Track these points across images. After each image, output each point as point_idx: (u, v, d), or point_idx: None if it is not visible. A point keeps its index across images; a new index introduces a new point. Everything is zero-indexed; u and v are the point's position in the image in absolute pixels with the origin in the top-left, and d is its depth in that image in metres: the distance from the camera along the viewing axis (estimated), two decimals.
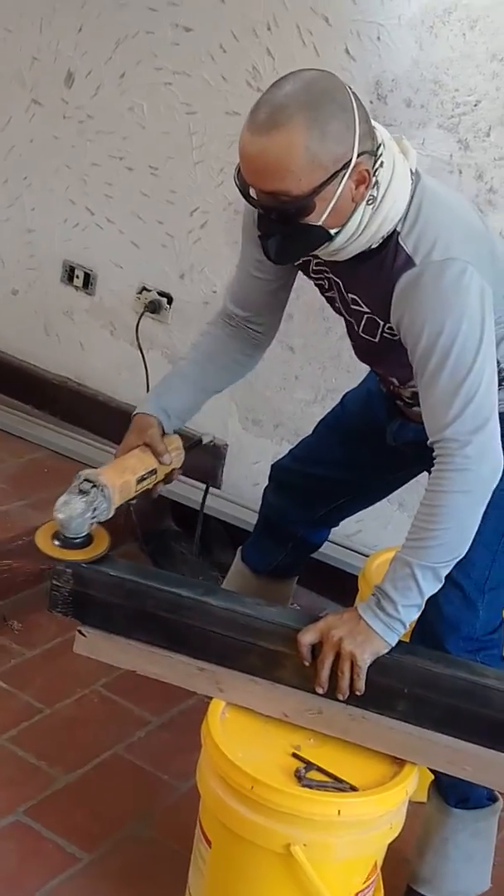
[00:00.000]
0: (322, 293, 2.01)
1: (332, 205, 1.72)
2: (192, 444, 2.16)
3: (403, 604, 1.80)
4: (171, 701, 2.51)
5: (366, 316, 1.90)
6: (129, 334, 3.25)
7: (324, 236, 1.77)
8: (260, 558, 2.42)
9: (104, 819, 2.20)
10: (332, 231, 1.76)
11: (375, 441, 2.13)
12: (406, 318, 1.78)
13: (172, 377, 2.14)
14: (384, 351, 1.92)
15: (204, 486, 2.85)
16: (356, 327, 1.95)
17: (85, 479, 1.90)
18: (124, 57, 3.16)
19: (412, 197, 1.81)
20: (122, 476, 1.95)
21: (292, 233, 1.77)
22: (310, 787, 1.73)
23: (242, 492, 3.17)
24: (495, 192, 2.64)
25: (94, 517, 1.90)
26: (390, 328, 1.85)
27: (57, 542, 1.92)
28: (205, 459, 3.25)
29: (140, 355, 3.19)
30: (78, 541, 1.92)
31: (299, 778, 1.74)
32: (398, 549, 1.83)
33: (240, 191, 1.77)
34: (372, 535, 2.95)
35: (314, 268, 1.96)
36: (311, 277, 1.99)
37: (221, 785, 1.75)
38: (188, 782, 2.21)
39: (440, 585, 1.82)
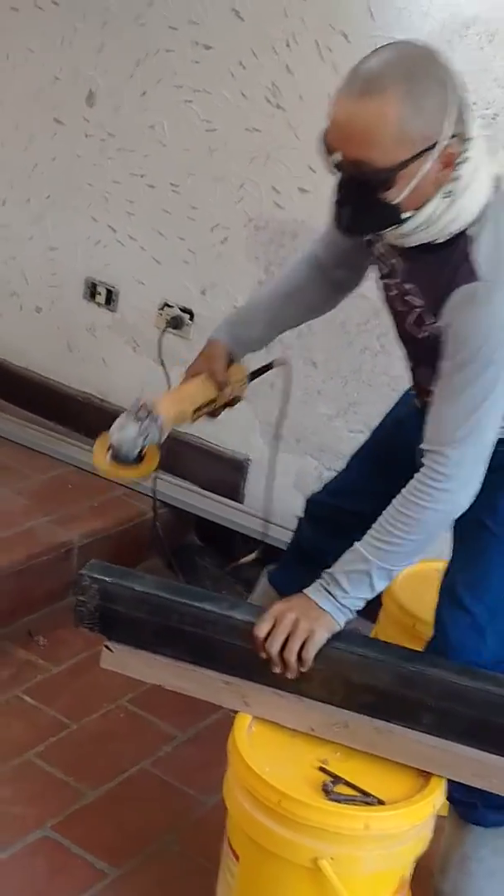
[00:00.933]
0: (380, 278, 1.98)
1: (413, 183, 1.68)
2: (261, 369, 2.20)
3: (353, 595, 1.85)
4: (198, 715, 2.51)
5: (417, 310, 1.88)
6: (151, 350, 3.26)
7: (395, 217, 1.74)
8: (289, 584, 2.36)
9: (132, 834, 2.21)
10: (405, 215, 1.73)
11: (407, 466, 2.07)
12: (453, 325, 1.77)
13: (250, 307, 2.17)
14: (427, 349, 1.88)
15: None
16: (406, 320, 1.93)
17: (142, 406, 1.98)
18: (145, 75, 3.18)
19: (488, 205, 1.77)
20: (178, 405, 2.04)
21: (366, 206, 1.74)
22: (337, 800, 1.73)
23: (265, 506, 3.17)
24: None
25: (145, 442, 1.98)
26: (437, 327, 1.82)
27: (110, 459, 2.00)
28: (228, 473, 3.27)
29: (163, 371, 3.20)
30: (129, 460, 2.00)
31: (327, 792, 1.75)
32: (361, 543, 1.85)
33: (322, 151, 1.73)
34: None
35: (381, 248, 1.93)
36: (375, 257, 1.96)
37: (249, 799, 1.75)
38: (215, 797, 2.21)
39: (388, 584, 1.87)
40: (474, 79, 2.59)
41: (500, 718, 1.80)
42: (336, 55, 2.79)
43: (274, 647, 1.84)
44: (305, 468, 3.09)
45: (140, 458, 2.00)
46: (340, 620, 1.86)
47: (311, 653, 1.83)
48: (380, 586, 1.86)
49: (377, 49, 1.68)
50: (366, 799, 1.75)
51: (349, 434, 2.98)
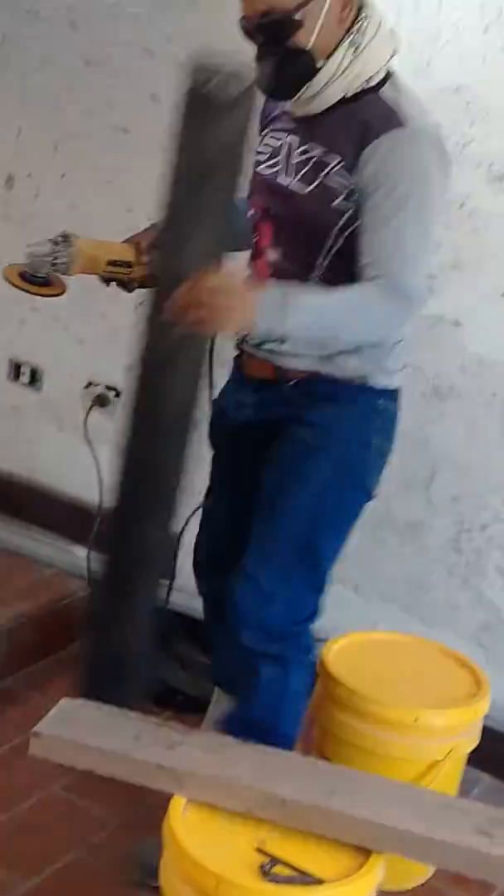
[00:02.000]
0: (257, 167, 2.12)
1: (318, 23, 1.92)
2: None
3: (294, 328, 1.91)
4: (133, 799, 2.46)
5: (314, 160, 2.02)
6: (78, 429, 3.25)
7: (310, 64, 1.95)
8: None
9: None
10: (318, 63, 1.94)
11: (240, 448, 2.24)
12: (385, 166, 1.93)
13: None
14: (307, 210, 2.03)
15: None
16: (287, 179, 2.05)
17: (62, 234, 2.15)
18: (64, 158, 3.21)
19: (390, 72, 2.01)
20: (96, 248, 2.18)
21: (283, 58, 1.94)
22: (276, 882, 1.70)
23: None
24: (433, 278, 2.67)
25: (54, 262, 2.12)
26: (344, 168, 1.98)
27: (19, 274, 2.17)
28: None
29: (89, 449, 3.18)
30: (37, 279, 2.17)
31: (265, 873, 1.72)
32: (328, 295, 1.93)
33: (243, 33, 1.97)
34: (329, 620, 2.89)
35: (269, 138, 2.12)
36: (258, 152, 2.12)
37: (186, 883, 1.72)
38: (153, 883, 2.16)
39: (307, 350, 2.01)
40: None
41: None
42: None
43: (198, 293, 1.83)
44: None
45: (47, 281, 2.17)
46: (261, 325, 1.89)
47: (207, 326, 1.87)
48: (316, 332, 1.94)
49: None
50: (304, 879, 1.72)
51: None
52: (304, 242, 2.06)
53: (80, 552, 3.09)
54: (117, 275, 2.20)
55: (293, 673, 2.16)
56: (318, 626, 2.93)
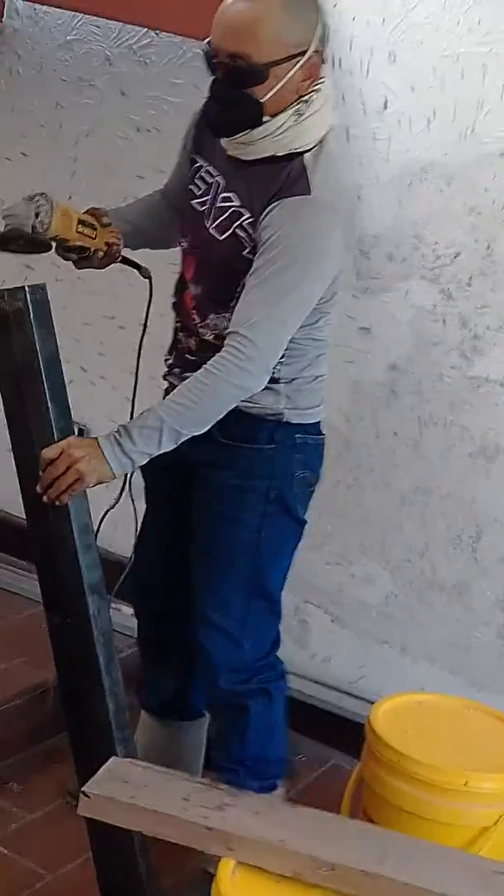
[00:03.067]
0: (190, 199, 2.23)
1: (279, 84, 1.99)
2: (133, 261, 2.34)
3: (141, 449, 2.04)
4: (181, 859, 2.44)
5: (231, 209, 2.13)
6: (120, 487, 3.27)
7: (257, 117, 2.02)
8: (151, 695, 2.55)
9: None
10: (264, 118, 2.02)
11: (172, 481, 2.33)
12: (275, 224, 2.02)
13: (121, 210, 2.39)
14: (221, 254, 2.15)
15: None
16: (208, 223, 2.17)
17: (34, 193, 2.10)
18: None
19: (322, 142, 2.08)
20: (67, 206, 2.15)
21: (236, 101, 2.02)
22: None
23: None
24: (479, 339, 2.71)
25: (36, 214, 2.07)
26: (249, 223, 2.09)
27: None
28: None
29: (132, 507, 3.20)
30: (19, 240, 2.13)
31: None
32: (158, 405, 2.08)
33: (203, 56, 2.04)
34: (375, 681, 2.93)
35: (204, 172, 2.20)
36: (194, 184, 2.23)
37: None
38: None
39: (173, 447, 2.06)
40: (435, 220, 2.71)
41: None
42: None
43: (52, 473, 2.01)
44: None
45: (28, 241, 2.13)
46: (117, 471, 2.05)
47: (75, 491, 2.03)
48: (167, 445, 2.05)
49: None
50: None
51: (325, 566, 2.99)
52: (220, 283, 2.18)
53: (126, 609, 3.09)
54: (85, 238, 2.20)
55: (276, 700, 2.37)
56: (365, 685, 2.95)
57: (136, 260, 2.34)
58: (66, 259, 2.25)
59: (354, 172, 2.77)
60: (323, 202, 2.05)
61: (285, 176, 2.06)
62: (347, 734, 2.74)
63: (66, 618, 2.21)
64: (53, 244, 2.19)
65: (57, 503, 2.05)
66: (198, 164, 2.24)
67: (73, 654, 2.23)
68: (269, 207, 2.05)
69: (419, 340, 2.76)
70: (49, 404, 2.14)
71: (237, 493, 2.23)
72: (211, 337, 2.23)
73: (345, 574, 2.96)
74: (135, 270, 2.34)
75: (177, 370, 2.32)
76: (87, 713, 2.23)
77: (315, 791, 2.78)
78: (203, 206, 2.21)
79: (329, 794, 2.57)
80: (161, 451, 2.06)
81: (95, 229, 2.22)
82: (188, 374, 2.19)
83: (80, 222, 2.19)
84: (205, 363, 2.17)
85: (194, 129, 2.27)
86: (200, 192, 2.22)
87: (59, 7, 3.05)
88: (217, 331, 2.21)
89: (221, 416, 2.09)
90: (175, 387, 2.25)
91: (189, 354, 2.29)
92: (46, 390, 2.13)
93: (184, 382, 2.10)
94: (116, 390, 3.37)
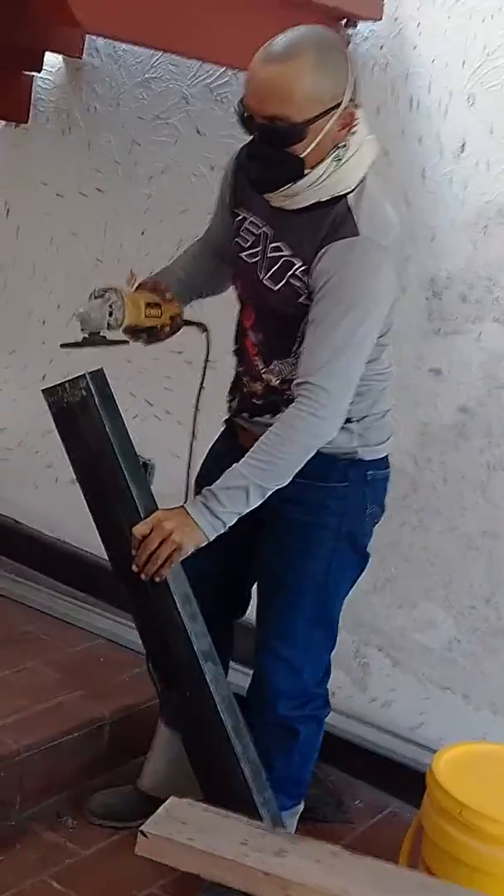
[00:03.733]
0: (239, 252, 2.25)
1: (318, 139, 2.01)
2: (191, 321, 2.39)
3: (230, 510, 2.09)
4: None
5: (283, 259, 2.15)
6: None
7: (299, 171, 2.05)
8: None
9: None
10: (306, 171, 2.04)
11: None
12: (329, 269, 2.06)
13: (166, 270, 2.44)
14: (278, 304, 2.17)
15: None
16: (261, 274, 2.19)
17: (102, 288, 2.19)
18: None
19: (363, 181, 2.11)
20: (133, 294, 2.23)
21: (276, 159, 2.04)
22: None
23: None
24: None
25: (110, 313, 2.16)
26: (303, 272, 2.12)
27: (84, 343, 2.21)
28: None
29: None
30: (98, 339, 2.20)
31: None
32: (239, 465, 2.10)
33: (238, 118, 2.06)
34: (436, 727, 2.88)
35: (249, 224, 2.22)
36: (240, 236, 2.25)
37: None
38: None
39: (260, 502, 2.10)
40: None
41: None
42: None
43: (148, 547, 2.09)
44: (341, 643, 3.02)
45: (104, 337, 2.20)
46: (210, 535, 2.10)
47: (174, 561, 2.11)
48: (254, 502, 2.10)
49: (292, 28, 2.02)
50: None
51: (386, 609, 2.96)
52: (280, 331, 2.22)
53: None
54: (153, 319, 2.25)
55: (322, 726, 2.47)
56: (425, 732, 2.90)
57: (192, 320, 2.40)
58: (136, 341, 2.31)
59: (430, 214, 2.77)
60: (370, 240, 2.07)
61: (332, 220, 2.09)
62: (406, 781, 2.70)
63: (186, 691, 2.23)
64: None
65: (157, 578, 2.13)
66: (241, 217, 2.27)
67: (199, 726, 2.26)
68: (320, 253, 2.08)
69: (490, 383, 2.73)
70: (130, 485, 2.19)
71: (309, 528, 2.26)
72: (277, 382, 2.26)
73: (407, 618, 2.93)
74: (194, 327, 2.41)
75: (245, 414, 2.36)
76: (224, 782, 2.26)
77: (372, 838, 2.73)
78: (253, 258, 2.23)
79: (386, 842, 2.54)
80: (250, 509, 2.11)
81: (160, 307, 2.27)
82: (257, 418, 2.28)
83: (148, 305, 2.24)
84: (272, 407, 2.24)
85: (232, 182, 2.30)
86: (248, 245, 2.24)
87: (138, 45, 3.08)
88: (282, 376, 2.24)
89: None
90: (244, 429, 2.32)
91: (255, 399, 2.32)
92: (125, 472, 2.19)
93: (262, 438, 2.13)
94: (182, 426, 3.35)
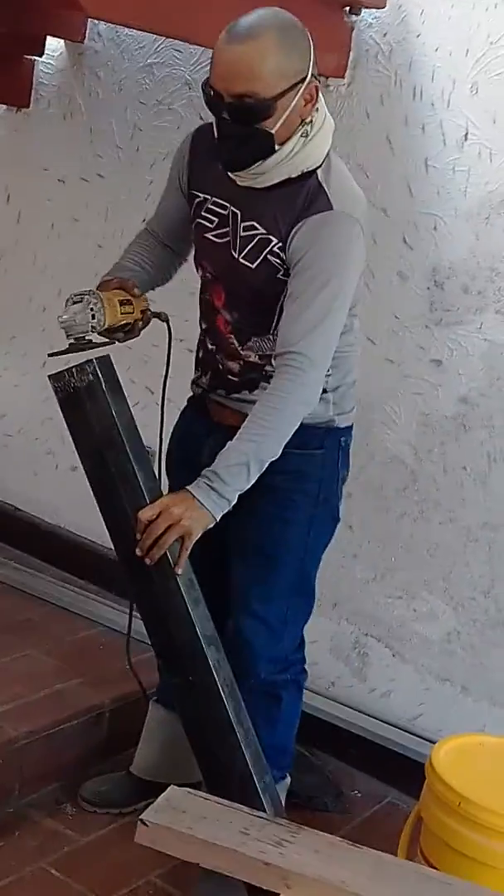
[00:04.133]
0: (205, 233, 2.27)
1: (286, 114, 2.05)
2: (155, 314, 2.37)
3: (234, 487, 2.12)
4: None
5: (258, 237, 2.18)
6: None
7: (269, 147, 2.08)
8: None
9: None
10: (276, 147, 2.08)
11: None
12: (305, 244, 2.11)
13: (117, 267, 2.42)
14: (256, 281, 2.20)
15: None
16: (236, 253, 2.21)
17: (80, 292, 2.19)
18: None
19: (328, 157, 2.16)
20: (109, 294, 2.21)
21: (247, 137, 2.07)
22: None
23: None
24: None
25: (93, 315, 2.17)
26: (279, 248, 2.15)
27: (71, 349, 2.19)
28: None
29: None
30: (85, 343, 2.18)
31: None
32: (235, 442, 2.13)
33: (206, 101, 2.09)
34: (434, 718, 2.88)
35: (212, 205, 2.25)
36: (202, 217, 2.27)
37: None
38: None
39: (261, 472, 2.12)
40: None
41: None
42: (376, 228, 2.85)
43: (154, 532, 2.10)
44: (341, 633, 3.05)
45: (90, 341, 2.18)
46: (218, 516, 2.12)
47: (187, 548, 2.12)
48: (254, 476, 2.13)
49: (252, 11, 2.04)
50: None
51: (386, 599, 2.96)
52: (258, 308, 2.25)
53: None
54: (127, 316, 2.26)
55: (301, 691, 2.52)
56: (424, 723, 2.90)
57: (154, 311, 2.40)
58: (112, 341, 2.31)
59: (432, 204, 2.76)
60: (343, 213, 2.13)
61: (305, 195, 2.14)
62: (405, 771, 2.70)
63: (188, 676, 2.22)
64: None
65: (178, 570, 2.15)
66: (200, 199, 2.29)
67: (202, 711, 2.25)
68: (295, 229, 2.13)
69: (491, 374, 2.73)
70: (136, 470, 2.18)
71: (288, 495, 2.29)
72: (256, 358, 2.30)
73: (407, 608, 2.93)
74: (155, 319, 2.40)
75: (220, 391, 2.39)
76: (225, 767, 2.25)
77: (370, 828, 2.73)
78: (223, 237, 2.25)
79: (384, 832, 2.55)
80: (251, 484, 2.13)
81: (132, 303, 2.28)
82: (235, 395, 2.33)
83: (121, 302, 2.24)
84: (249, 383, 2.31)
85: (188, 165, 2.31)
86: (215, 225, 2.26)
87: (141, 30, 3.06)
88: (261, 351, 2.28)
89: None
90: (218, 403, 2.37)
91: (231, 376, 2.36)
92: (131, 457, 2.18)
93: (252, 412, 2.16)
94: None
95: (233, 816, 1.95)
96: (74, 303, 2.19)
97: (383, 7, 2.80)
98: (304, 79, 2.07)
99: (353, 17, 2.85)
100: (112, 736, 2.86)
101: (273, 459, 2.15)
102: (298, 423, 2.16)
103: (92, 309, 2.17)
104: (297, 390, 2.14)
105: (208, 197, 2.27)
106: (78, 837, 2.58)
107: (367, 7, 2.82)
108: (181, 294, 2.57)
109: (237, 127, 2.08)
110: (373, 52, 2.84)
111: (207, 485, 2.12)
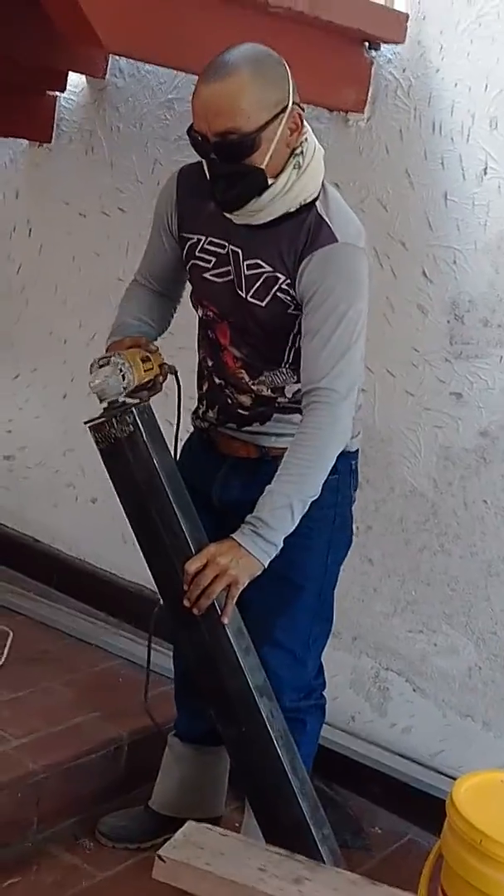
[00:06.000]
0: (203, 273, 2.26)
1: (273, 146, 2.04)
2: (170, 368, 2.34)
3: (280, 531, 2.11)
4: None
5: (265, 276, 2.17)
6: None
7: (262, 182, 2.07)
8: (192, 724, 2.59)
9: None
10: (269, 181, 2.07)
11: (225, 525, 2.24)
12: (316, 279, 2.11)
13: (119, 328, 2.40)
14: (267, 318, 2.19)
15: None
16: (243, 292, 2.20)
17: (105, 355, 2.19)
18: None
19: (323, 186, 2.16)
20: (130, 353, 2.21)
21: (238, 175, 2.07)
22: None
23: None
24: None
25: (123, 377, 2.15)
26: (288, 285, 2.15)
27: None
28: None
29: None
30: (119, 403, 2.17)
31: None
32: (276, 485, 2.12)
33: (192, 145, 2.10)
34: (456, 755, 2.85)
35: (208, 244, 2.24)
36: (198, 258, 2.26)
37: None
38: None
39: (305, 512, 2.13)
40: None
41: None
42: (394, 261, 2.87)
43: (201, 583, 2.09)
44: (361, 667, 3.03)
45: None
46: (266, 562, 2.11)
47: (234, 596, 2.12)
48: (298, 516, 2.13)
49: (224, 50, 2.05)
50: None
51: (407, 633, 2.94)
52: (268, 344, 2.25)
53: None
54: (150, 373, 2.25)
55: (324, 717, 2.53)
56: (445, 759, 2.87)
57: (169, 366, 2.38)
58: (139, 399, 2.26)
59: (451, 237, 2.76)
60: (347, 244, 2.13)
61: (307, 229, 2.13)
62: (426, 808, 2.67)
63: (241, 727, 2.21)
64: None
65: (225, 620, 2.15)
66: (193, 241, 2.27)
67: (257, 763, 2.23)
68: (303, 264, 2.13)
69: None
70: (180, 519, 2.16)
71: (305, 522, 2.24)
72: (267, 391, 2.30)
73: (428, 643, 2.91)
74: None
75: (231, 425, 2.37)
76: (282, 819, 2.23)
77: (390, 865, 2.70)
78: (223, 276, 2.24)
79: (405, 870, 2.52)
80: (295, 525, 2.13)
81: (150, 360, 2.27)
82: (247, 428, 2.33)
83: (142, 360, 2.24)
84: (260, 416, 2.32)
85: (176, 208, 2.30)
86: (212, 264, 2.25)
87: (161, 66, 3.09)
88: (273, 385, 2.28)
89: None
90: (226, 436, 2.37)
91: (242, 410, 2.35)
92: (175, 506, 2.16)
93: (289, 453, 2.16)
94: None
95: (251, 853, 1.93)
96: (101, 366, 2.17)
97: (402, 42, 2.81)
98: (286, 108, 2.06)
99: (373, 53, 2.87)
100: (130, 770, 2.85)
101: (315, 496, 2.14)
102: (335, 458, 2.16)
103: (122, 370, 2.16)
104: (330, 425, 2.14)
105: (202, 237, 2.25)
106: (96, 872, 2.56)
107: (386, 42, 2.83)
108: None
109: (226, 166, 2.07)
110: (392, 87, 2.85)
111: (253, 531, 2.11)
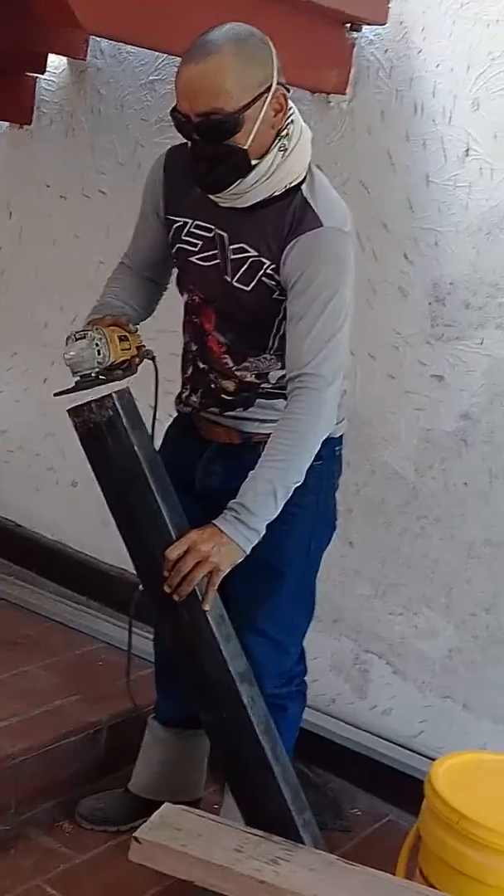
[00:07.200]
0: (189, 257, 2.24)
1: (256, 126, 2.02)
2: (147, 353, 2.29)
3: (262, 517, 2.09)
4: None
5: (250, 260, 2.15)
6: None
7: (246, 164, 2.05)
8: (171, 707, 2.59)
9: None
10: (253, 162, 2.05)
11: (206, 510, 2.21)
12: (301, 264, 2.09)
13: (107, 302, 2.37)
14: (252, 303, 2.18)
15: None
16: (229, 276, 2.18)
17: (82, 329, 2.15)
18: None
19: (310, 169, 2.14)
20: (109, 330, 2.16)
21: (221, 155, 2.04)
22: None
23: None
24: None
25: (98, 352, 2.12)
26: (273, 269, 2.13)
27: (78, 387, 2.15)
28: None
29: None
30: (94, 380, 2.14)
31: None
32: (259, 471, 2.09)
33: (176, 126, 2.07)
34: (435, 736, 2.86)
35: (194, 228, 2.21)
36: (184, 241, 2.24)
37: None
38: None
39: (287, 498, 2.11)
40: None
41: None
42: (376, 244, 2.87)
43: (182, 569, 2.07)
44: (342, 649, 3.04)
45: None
46: (247, 548, 2.10)
47: (215, 583, 2.10)
48: (282, 502, 2.11)
49: (207, 29, 2.02)
50: None
51: (387, 616, 2.94)
52: (254, 329, 2.23)
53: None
54: (126, 353, 2.20)
55: (305, 702, 2.54)
56: (424, 740, 2.88)
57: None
58: (112, 379, 2.22)
59: (433, 219, 2.76)
60: (333, 228, 2.11)
61: (291, 213, 2.12)
62: (405, 789, 2.68)
63: (222, 713, 2.20)
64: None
65: (206, 606, 2.12)
66: (179, 224, 2.25)
67: (237, 748, 2.22)
68: (287, 249, 2.11)
69: (493, 390, 2.72)
70: (161, 505, 2.13)
71: (289, 508, 2.21)
72: (251, 377, 2.28)
73: (408, 625, 2.91)
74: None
75: (214, 409, 2.35)
76: (264, 805, 2.23)
77: (369, 846, 2.71)
78: (210, 260, 2.22)
79: (383, 851, 2.51)
80: (278, 511, 2.11)
81: (129, 340, 2.23)
82: (230, 413, 2.31)
83: (119, 339, 2.20)
84: (243, 401, 2.29)
85: (162, 190, 2.28)
86: (199, 248, 2.23)
87: (142, 47, 3.07)
88: (257, 370, 2.27)
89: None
90: (209, 421, 2.35)
91: (226, 395, 2.33)
92: (155, 493, 2.13)
93: (273, 439, 2.14)
94: None
95: (228, 834, 1.93)
96: (77, 339, 2.14)
97: (384, 23, 2.80)
98: (270, 87, 2.03)
99: (354, 34, 2.86)
100: (110, 753, 2.85)
101: (299, 482, 2.12)
102: (320, 444, 2.14)
103: (97, 345, 2.13)
104: (315, 411, 2.12)
105: (189, 221, 2.23)
106: (74, 855, 2.56)
107: (367, 24, 2.82)
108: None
109: (209, 146, 2.05)
110: (374, 68, 2.84)
111: (235, 517, 2.09)
